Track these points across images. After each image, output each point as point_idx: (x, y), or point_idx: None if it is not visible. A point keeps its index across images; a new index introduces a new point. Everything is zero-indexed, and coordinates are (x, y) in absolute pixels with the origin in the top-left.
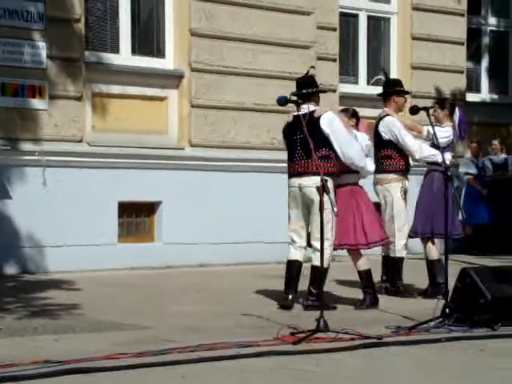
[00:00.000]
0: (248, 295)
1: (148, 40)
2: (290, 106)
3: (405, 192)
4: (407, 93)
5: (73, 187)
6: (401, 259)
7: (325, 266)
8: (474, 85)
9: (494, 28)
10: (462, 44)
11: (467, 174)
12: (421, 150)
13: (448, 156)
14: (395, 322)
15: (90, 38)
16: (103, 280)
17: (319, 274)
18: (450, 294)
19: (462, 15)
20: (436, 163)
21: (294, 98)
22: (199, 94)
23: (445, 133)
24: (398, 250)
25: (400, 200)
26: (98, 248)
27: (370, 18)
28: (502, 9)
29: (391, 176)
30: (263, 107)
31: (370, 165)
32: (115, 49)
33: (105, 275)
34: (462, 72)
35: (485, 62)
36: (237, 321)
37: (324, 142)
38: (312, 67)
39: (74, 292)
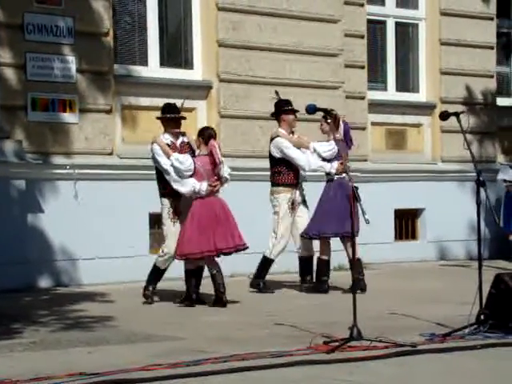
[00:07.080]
0: (280, 304)
1: (176, 52)
2: (318, 115)
3: (293, 202)
4: (295, 111)
5: (104, 200)
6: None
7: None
8: (504, 89)
9: None
10: (492, 48)
11: (505, 181)
12: (309, 163)
13: (335, 165)
14: (429, 329)
15: (118, 51)
16: (136, 292)
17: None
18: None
19: (491, 19)
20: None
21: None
22: (228, 105)
23: (328, 146)
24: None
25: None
26: (130, 260)
27: (397, 24)
28: None
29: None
30: None
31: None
32: (144, 61)
33: (137, 287)
34: (491, 76)
35: None
36: (269, 330)
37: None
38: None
39: (107, 304)
